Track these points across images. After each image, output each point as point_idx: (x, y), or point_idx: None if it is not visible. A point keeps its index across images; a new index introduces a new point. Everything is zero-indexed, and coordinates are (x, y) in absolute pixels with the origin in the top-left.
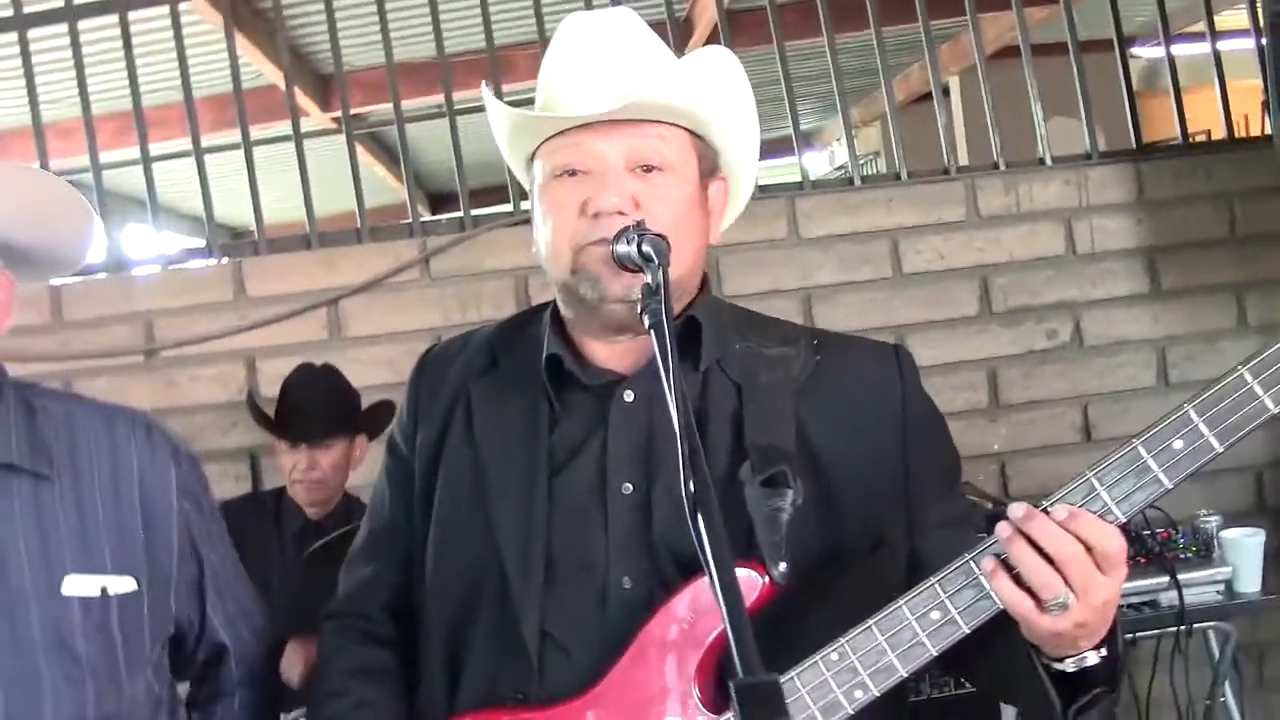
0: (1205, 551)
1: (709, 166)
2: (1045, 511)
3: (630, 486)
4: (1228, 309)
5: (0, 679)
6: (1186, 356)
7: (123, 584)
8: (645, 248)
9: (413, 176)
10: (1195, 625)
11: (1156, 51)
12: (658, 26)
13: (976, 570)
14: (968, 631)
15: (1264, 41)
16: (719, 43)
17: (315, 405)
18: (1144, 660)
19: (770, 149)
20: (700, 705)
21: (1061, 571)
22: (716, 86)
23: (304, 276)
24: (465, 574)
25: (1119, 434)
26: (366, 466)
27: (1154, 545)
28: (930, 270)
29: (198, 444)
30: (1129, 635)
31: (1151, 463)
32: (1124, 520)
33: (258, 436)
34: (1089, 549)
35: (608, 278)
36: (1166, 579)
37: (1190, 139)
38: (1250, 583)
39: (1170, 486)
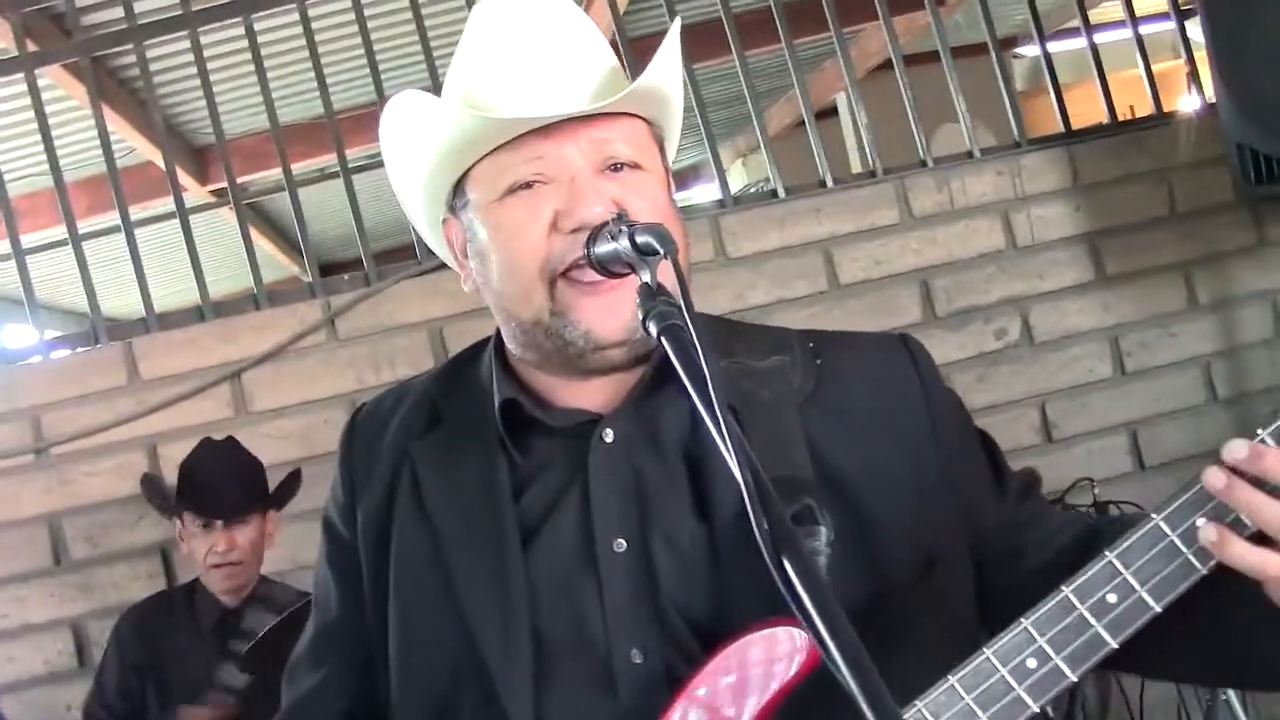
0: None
1: (663, 152)
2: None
3: (624, 543)
4: (1177, 289)
5: None
6: (1141, 343)
7: None
8: (642, 238)
9: (308, 237)
10: None
11: (1038, 49)
12: None
13: (1121, 570)
14: (1112, 649)
15: (1184, 22)
16: (625, 65)
17: (226, 481)
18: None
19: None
20: None
21: None
22: (676, 66)
23: (201, 351)
24: (438, 672)
25: (1080, 432)
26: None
27: None
28: (868, 279)
29: (102, 544)
30: None
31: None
32: None
33: (168, 529)
34: None
35: (598, 317)
36: None
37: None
38: None
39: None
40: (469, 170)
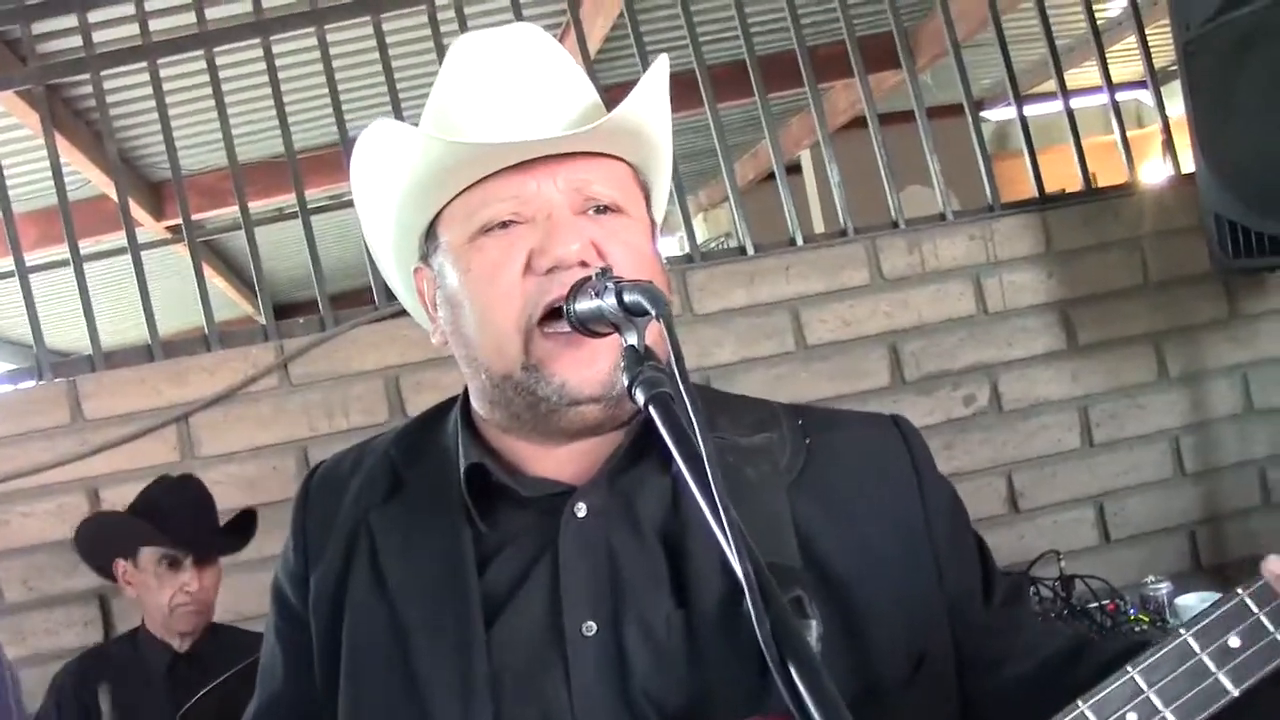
0: (1158, 620)
1: (651, 211)
2: None
3: (594, 626)
4: (1147, 360)
5: None
6: (1110, 415)
7: None
8: (630, 296)
9: (263, 278)
10: None
11: (1005, 113)
12: None
13: (1144, 687)
14: None
15: (1160, 89)
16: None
17: (197, 516)
18: None
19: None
20: None
21: None
22: (665, 107)
23: (149, 392)
24: None
25: (1047, 503)
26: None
27: (1102, 619)
28: (836, 340)
29: (37, 588)
30: None
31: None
32: None
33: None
34: None
35: (574, 370)
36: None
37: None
38: None
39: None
40: (441, 211)
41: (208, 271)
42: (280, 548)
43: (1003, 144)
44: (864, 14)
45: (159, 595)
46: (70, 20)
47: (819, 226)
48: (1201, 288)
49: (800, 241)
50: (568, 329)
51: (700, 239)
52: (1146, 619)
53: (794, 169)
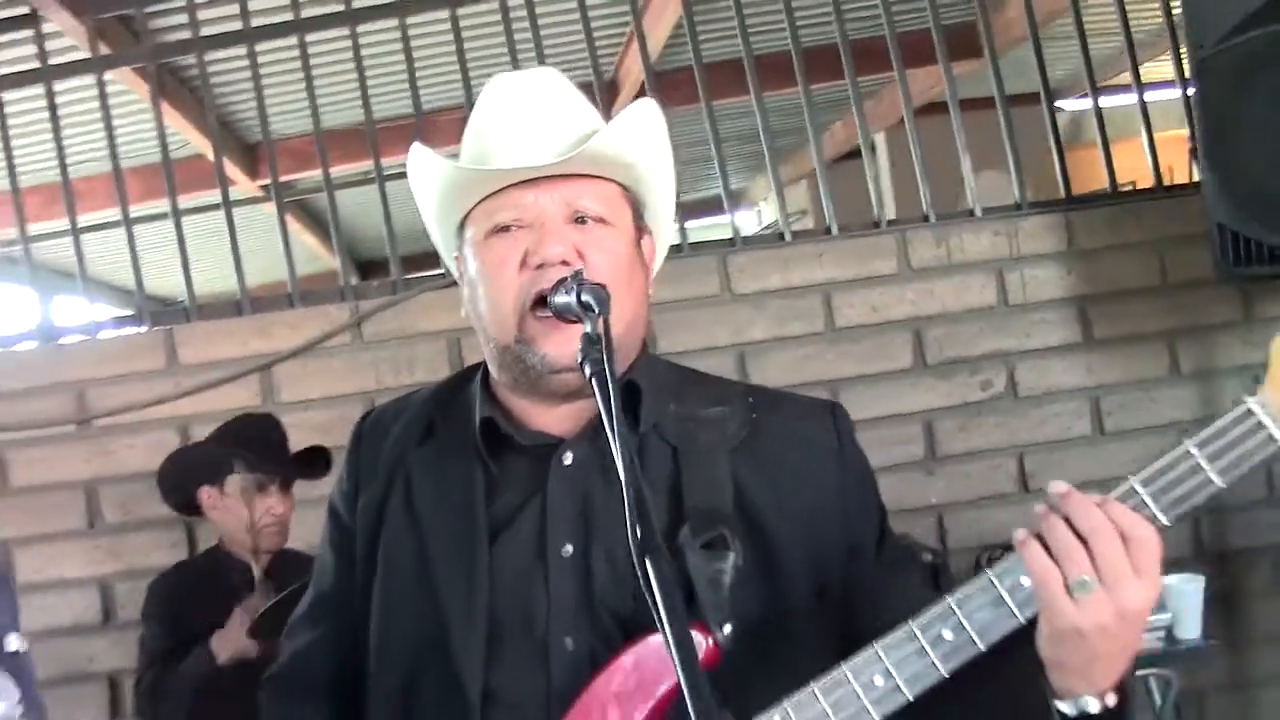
0: None
1: (640, 221)
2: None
3: (570, 548)
4: (1160, 357)
5: None
6: (1121, 405)
7: None
8: (585, 297)
9: (342, 241)
10: (1137, 673)
11: (1079, 104)
12: (585, 88)
13: (957, 613)
14: (942, 677)
15: (1190, 90)
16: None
17: (282, 449)
18: None
19: (699, 209)
20: None
21: (1091, 549)
22: (648, 140)
23: (236, 342)
24: (410, 641)
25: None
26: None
27: None
28: (863, 324)
29: (132, 512)
30: None
31: (1206, 466)
32: (1166, 524)
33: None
34: (1122, 536)
35: (555, 346)
36: None
37: (1118, 188)
38: (1191, 629)
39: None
40: (469, 212)
41: (295, 227)
42: None
43: (1077, 135)
44: (942, 3)
45: (246, 515)
46: (179, 0)
47: (890, 207)
48: (1217, 291)
49: (835, 230)
50: (550, 314)
51: (774, 216)
52: None
53: (858, 153)
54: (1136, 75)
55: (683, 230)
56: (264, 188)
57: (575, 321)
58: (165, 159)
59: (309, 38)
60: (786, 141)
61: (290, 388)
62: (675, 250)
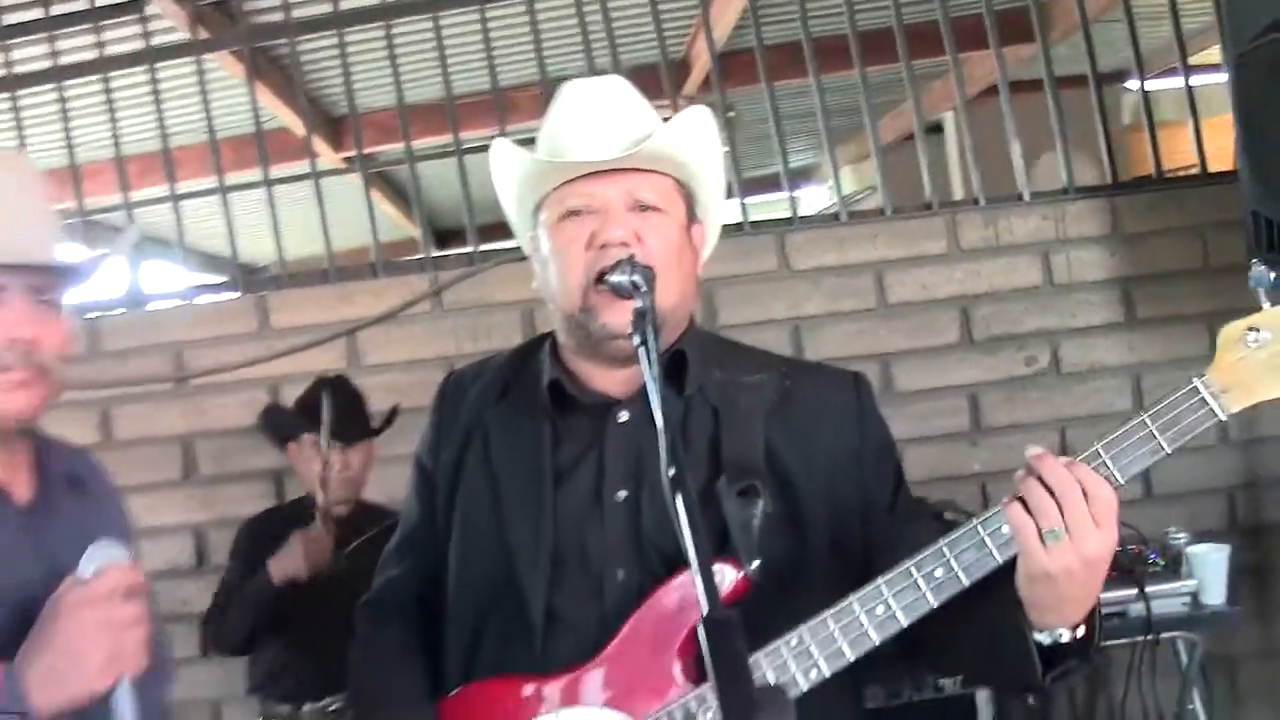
0: (1174, 566)
1: (691, 211)
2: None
3: (623, 494)
4: (1199, 337)
5: None
6: (1160, 383)
7: None
8: (636, 277)
9: (424, 214)
10: (1163, 635)
11: (1150, 84)
12: (653, 68)
13: (950, 560)
14: (932, 607)
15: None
16: (715, 81)
17: (347, 409)
18: (1118, 671)
19: (767, 184)
20: (680, 677)
21: (1060, 504)
22: (700, 141)
23: (323, 309)
24: (484, 572)
25: None
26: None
27: (1125, 561)
28: (914, 301)
29: (226, 465)
30: (1102, 643)
31: (1157, 434)
32: (1122, 482)
33: (280, 457)
34: (1085, 494)
35: (612, 315)
36: (1135, 591)
37: (1165, 173)
38: (1215, 594)
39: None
40: (543, 198)
41: (376, 196)
42: None
43: (1138, 116)
44: None
45: (315, 472)
46: None
47: (957, 187)
48: None
49: (889, 212)
50: (609, 290)
51: (850, 188)
52: (1164, 564)
53: (938, 128)
54: (1184, 61)
55: (744, 209)
56: (346, 159)
57: (629, 297)
58: (259, 137)
59: (394, 22)
60: (856, 120)
61: (373, 352)
62: (736, 228)
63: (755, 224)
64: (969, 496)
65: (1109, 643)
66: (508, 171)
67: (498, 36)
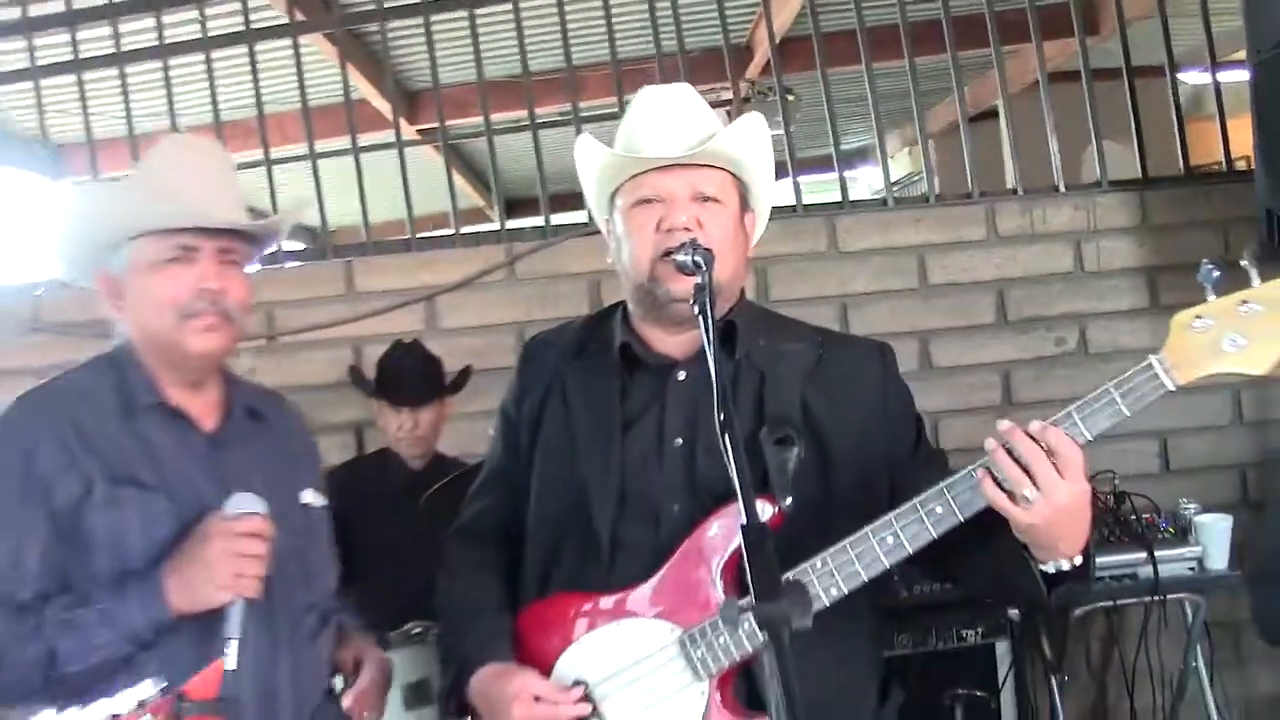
0: (1182, 534)
1: (744, 202)
2: (1023, 430)
3: (680, 441)
4: None
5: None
6: None
7: None
8: (697, 257)
9: (500, 187)
10: (1170, 596)
11: (1200, 78)
12: (719, 52)
13: (948, 499)
14: (933, 537)
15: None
16: (775, 67)
17: (415, 374)
18: (1130, 632)
19: (827, 163)
20: (722, 594)
21: (1029, 472)
22: (754, 142)
23: (406, 275)
24: (560, 505)
25: (1120, 432)
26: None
27: (1138, 528)
28: (953, 283)
29: (311, 418)
30: (1113, 602)
31: (1119, 400)
32: (1090, 439)
33: (361, 411)
34: (1052, 454)
35: (675, 284)
36: (1145, 555)
37: (1192, 170)
38: (1219, 560)
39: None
40: (619, 187)
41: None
42: (497, 404)
43: (1199, 107)
44: None
45: (390, 429)
46: None
47: (1008, 174)
48: (1275, 269)
49: (933, 200)
50: (673, 264)
51: (904, 171)
52: (1173, 532)
53: (994, 114)
54: (1213, 60)
55: (797, 191)
56: (421, 131)
57: (691, 274)
58: (349, 110)
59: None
60: (910, 104)
61: (450, 316)
62: (790, 210)
63: (808, 207)
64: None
65: (1122, 602)
66: (590, 163)
67: (573, 19)
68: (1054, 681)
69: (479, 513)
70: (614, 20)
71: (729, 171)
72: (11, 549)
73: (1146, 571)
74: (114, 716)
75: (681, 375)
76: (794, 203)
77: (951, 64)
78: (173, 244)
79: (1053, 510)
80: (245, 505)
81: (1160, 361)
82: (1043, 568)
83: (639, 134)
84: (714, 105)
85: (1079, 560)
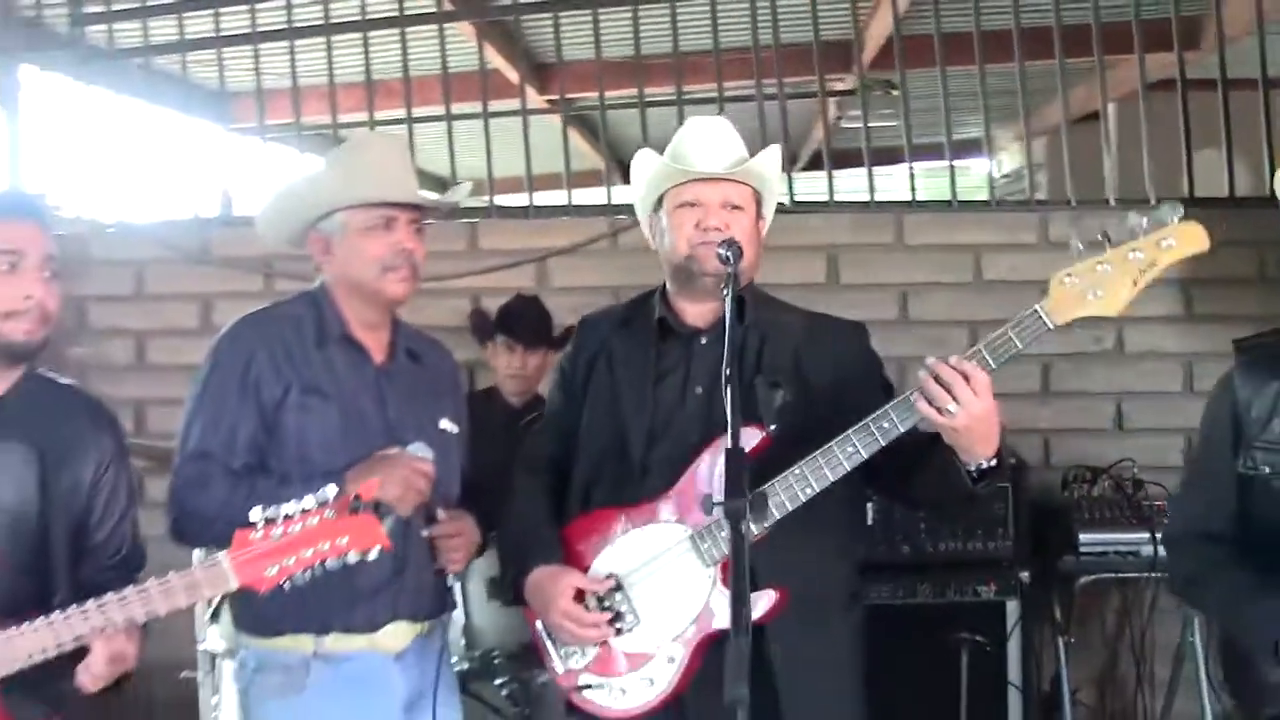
0: None
1: (759, 211)
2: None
3: (700, 390)
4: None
5: None
6: (1211, 371)
7: None
8: (730, 252)
9: (609, 162)
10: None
11: None
12: (836, 45)
13: (891, 415)
14: (881, 445)
15: None
16: (893, 60)
17: (531, 322)
18: (1143, 607)
19: (936, 152)
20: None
21: (951, 390)
22: (772, 168)
23: (523, 237)
24: (603, 441)
25: (1146, 426)
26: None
27: (1148, 511)
28: (1004, 280)
29: None
30: (1119, 575)
31: (1014, 338)
32: (994, 367)
33: (474, 354)
34: (967, 379)
35: (709, 264)
36: (1147, 535)
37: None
38: None
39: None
40: (665, 193)
41: (573, 133)
42: None
43: None
44: None
45: (501, 367)
46: None
47: (1110, 178)
48: None
49: (995, 205)
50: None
51: (1014, 165)
52: None
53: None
54: (1264, 81)
55: (871, 188)
56: (550, 102)
57: (726, 264)
58: (483, 80)
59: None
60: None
61: (559, 277)
62: (863, 205)
63: (879, 204)
64: (1032, 446)
65: (1127, 575)
66: (645, 169)
67: (683, 10)
68: (1060, 643)
69: (538, 445)
70: (719, 12)
71: (751, 187)
72: (229, 427)
73: (1148, 550)
74: (304, 511)
75: (704, 340)
76: (867, 199)
77: (1059, 70)
78: (378, 215)
79: (969, 419)
80: (424, 451)
81: (1042, 308)
82: (967, 467)
83: (687, 152)
84: (827, 95)
85: (994, 461)
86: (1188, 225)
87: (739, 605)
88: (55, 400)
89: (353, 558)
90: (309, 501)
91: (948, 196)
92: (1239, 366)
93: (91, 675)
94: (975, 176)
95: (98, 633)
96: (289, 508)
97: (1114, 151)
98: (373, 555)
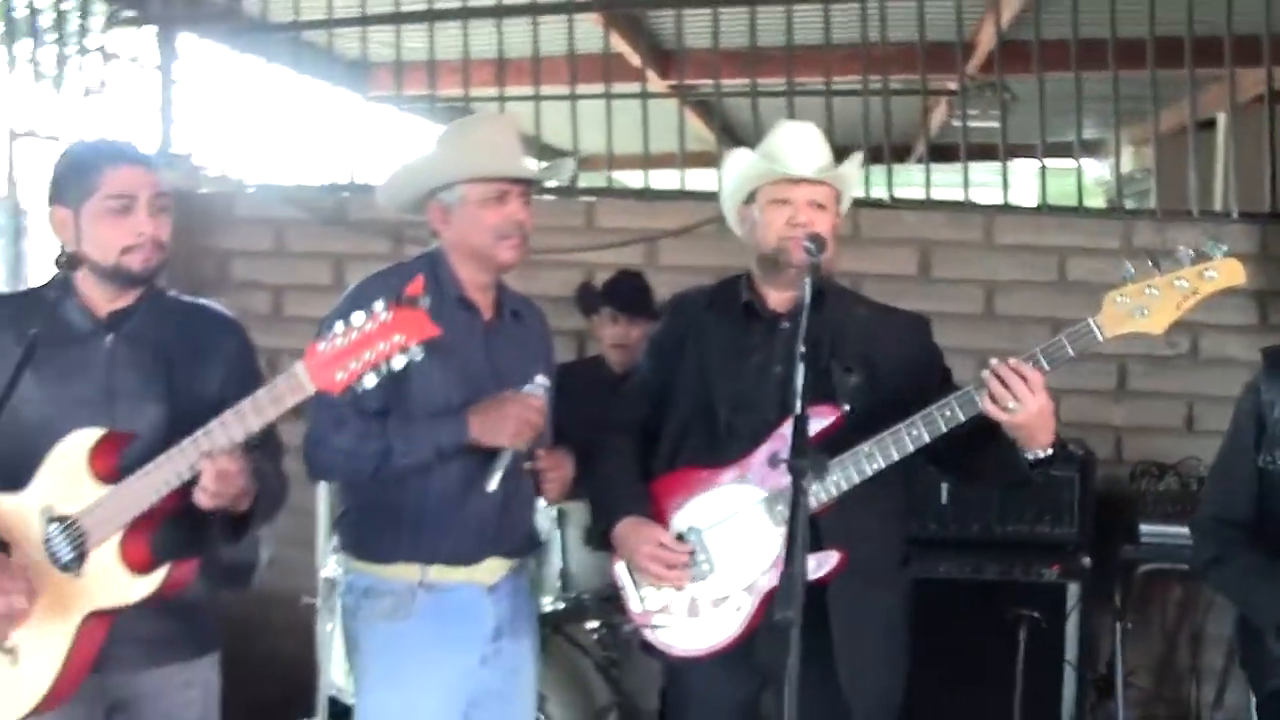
0: None
1: (837, 210)
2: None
3: (779, 369)
4: None
5: None
6: None
7: None
8: (813, 245)
9: (724, 143)
10: None
11: None
12: (944, 47)
13: (954, 405)
14: (943, 431)
15: None
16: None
17: (636, 295)
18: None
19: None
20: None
21: (1010, 389)
22: (854, 173)
23: (636, 218)
24: (689, 406)
25: (1215, 429)
26: None
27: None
28: (1086, 282)
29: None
30: (1177, 566)
31: (1068, 345)
32: (1048, 370)
33: (583, 324)
34: (1024, 379)
35: (796, 255)
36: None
37: None
38: None
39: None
40: (756, 190)
41: (691, 115)
42: None
43: None
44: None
45: (605, 337)
46: None
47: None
48: None
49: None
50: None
51: (1130, 167)
52: None
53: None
54: None
55: (966, 188)
56: (671, 87)
57: (811, 255)
58: (606, 65)
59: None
60: (1129, 107)
61: (668, 256)
62: (957, 205)
63: (972, 205)
64: (1105, 441)
65: (1177, 564)
66: (737, 166)
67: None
68: (1118, 628)
69: (628, 409)
70: (830, 10)
71: (834, 188)
72: None
73: None
74: (365, 317)
75: (784, 325)
76: (961, 199)
77: (1190, 78)
78: (494, 188)
79: (1029, 415)
80: (538, 390)
81: (1095, 322)
82: (1026, 455)
83: (780, 153)
84: (935, 94)
85: (1050, 450)
86: (1229, 260)
87: (793, 541)
88: (180, 312)
89: (415, 353)
90: (365, 313)
91: (1069, 197)
92: (1265, 370)
93: (207, 494)
94: (1086, 178)
95: (205, 457)
96: (354, 318)
97: (1229, 160)
98: (415, 353)
